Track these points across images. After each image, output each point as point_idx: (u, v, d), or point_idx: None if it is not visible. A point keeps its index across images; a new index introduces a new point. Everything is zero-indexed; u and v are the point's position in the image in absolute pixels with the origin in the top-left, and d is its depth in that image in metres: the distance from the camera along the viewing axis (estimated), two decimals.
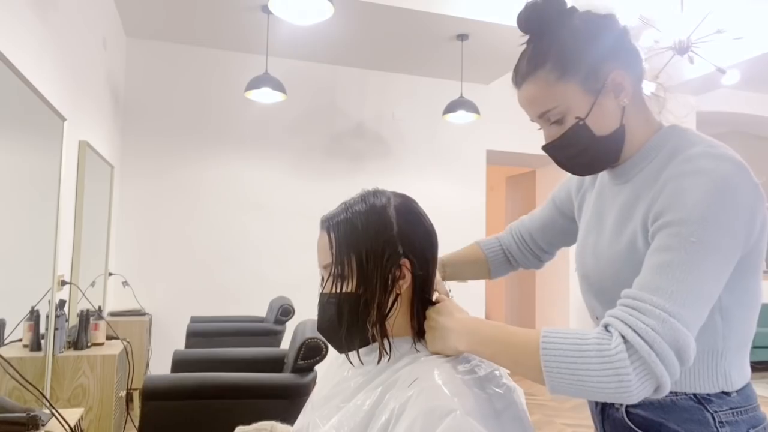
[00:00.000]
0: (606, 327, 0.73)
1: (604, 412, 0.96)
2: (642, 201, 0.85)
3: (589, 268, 0.96)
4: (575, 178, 1.07)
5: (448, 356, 0.83)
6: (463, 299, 1.27)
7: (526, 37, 0.89)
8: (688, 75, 4.95)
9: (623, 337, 0.70)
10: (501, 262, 1.24)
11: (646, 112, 0.91)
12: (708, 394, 0.84)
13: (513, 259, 1.24)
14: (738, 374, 0.85)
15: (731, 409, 0.83)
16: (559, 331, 0.74)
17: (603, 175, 0.98)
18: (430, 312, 0.86)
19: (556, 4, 0.87)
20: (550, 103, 0.86)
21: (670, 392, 0.81)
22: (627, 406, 0.90)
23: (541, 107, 0.88)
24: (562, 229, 1.15)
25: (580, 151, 0.88)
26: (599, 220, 0.96)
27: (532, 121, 0.92)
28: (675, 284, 0.72)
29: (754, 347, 6.14)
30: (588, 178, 1.04)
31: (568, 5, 0.88)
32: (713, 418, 0.83)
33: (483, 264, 1.24)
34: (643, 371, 0.69)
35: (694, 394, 0.84)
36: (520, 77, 0.90)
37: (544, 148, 0.92)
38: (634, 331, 0.70)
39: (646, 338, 0.70)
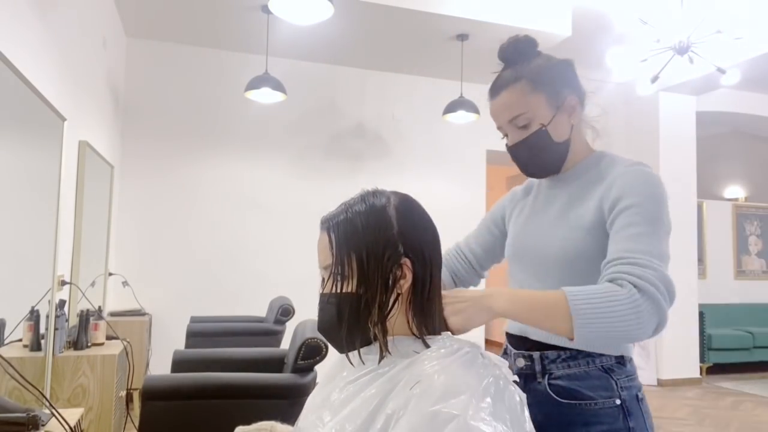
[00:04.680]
0: (613, 281, 0.92)
1: (526, 384, 1.11)
2: (591, 193, 1.08)
3: (529, 248, 1.16)
4: (507, 196, 1.31)
5: (471, 328, 0.92)
6: None
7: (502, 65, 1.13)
8: (688, 75, 4.95)
9: (634, 285, 0.90)
10: (449, 283, 1.31)
11: (583, 137, 1.17)
12: (611, 365, 1.05)
13: (457, 279, 1.33)
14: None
15: (627, 376, 1.06)
16: (578, 288, 0.92)
17: (541, 183, 1.22)
18: (447, 295, 0.93)
19: (531, 43, 1.11)
20: (521, 109, 1.08)
21: (584, 365, 1.05)
22: (549, 378, 1.08)
23: (513, 112, 1.09)
24: (498, 242, 1.32)
25: (539, 152, 1.11)
26: (539, 214, 1.17)
27: (499, 128, 1.14)
28: (651, 247, 0.95)
29: (754, 347, 6.06)
30: (520, 193, 1.27)
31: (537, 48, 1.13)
32: (616, 384, 1.04)
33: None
34: (653, 308, 0.89)
35: (602, 366, 1.05)
36: (497, 88, 1.11)
37: (511, 147, 1.13)
38: (642, 279, 0.90)
39: (652, 283, 0.90)
